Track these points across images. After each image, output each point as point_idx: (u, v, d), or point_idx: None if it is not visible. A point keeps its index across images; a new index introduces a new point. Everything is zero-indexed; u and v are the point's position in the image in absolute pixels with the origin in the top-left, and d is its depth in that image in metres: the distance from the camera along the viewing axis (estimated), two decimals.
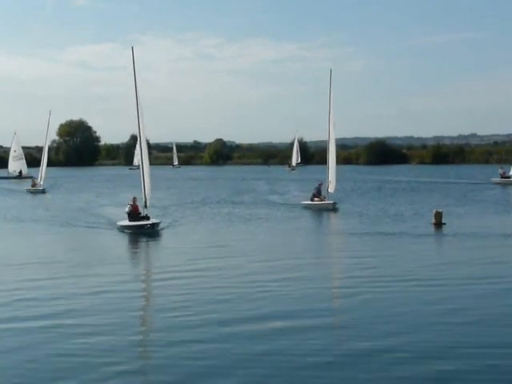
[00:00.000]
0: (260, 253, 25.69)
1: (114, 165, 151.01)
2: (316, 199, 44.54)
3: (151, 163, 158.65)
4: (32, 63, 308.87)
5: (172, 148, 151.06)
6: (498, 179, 68.96)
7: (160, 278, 21.03)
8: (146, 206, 33.81)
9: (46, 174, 67.03)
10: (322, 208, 42.82)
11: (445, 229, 31.92)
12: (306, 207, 44.12)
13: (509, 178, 68.21)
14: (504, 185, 65.67)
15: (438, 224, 32.82)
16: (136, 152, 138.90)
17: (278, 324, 14.73)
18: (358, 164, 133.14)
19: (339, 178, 50.15)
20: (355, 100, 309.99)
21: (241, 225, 35.10)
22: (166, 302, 17.21)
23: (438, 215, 33.31)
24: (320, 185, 45.77)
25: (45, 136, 71.12)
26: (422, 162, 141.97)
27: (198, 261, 23.77)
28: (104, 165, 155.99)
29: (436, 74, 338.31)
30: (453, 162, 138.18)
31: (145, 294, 19.44)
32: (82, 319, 15.42)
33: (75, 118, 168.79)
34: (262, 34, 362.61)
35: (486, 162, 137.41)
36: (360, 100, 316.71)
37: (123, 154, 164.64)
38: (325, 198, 44.54)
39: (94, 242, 30.78)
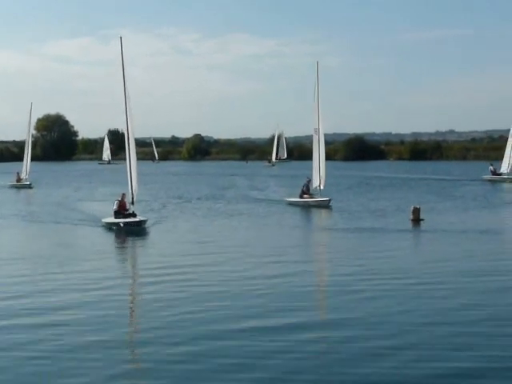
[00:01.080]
0: (244, 248, 25.62)
1: (91, 159, 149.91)
2: (305, 196, 43.37)
3: (125, 158, 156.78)
4: (10, 56, 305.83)
5: (150, 143, 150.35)
6: (488, 176, 67.74)
7: (147, 275, 20.56)
8: (132, 203, 33.08)
9: (30, 168, 65.26)
10: (316, 205, 41.69)
11: (423, 225, 32.01)
12: (294, 204, 43.00)
13: (500, 174, 67.11)
14: (494, 182, 64.55)
15: (416, 220, 32.90)
16: (105, 147, 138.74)
17: (269, 322, 14.61)
18: (335, 160, 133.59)
19: (300, 174, 50.40)
20: (334, 96, 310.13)
21: (224, 220, 34.93)
22: (154, 300, 16.93)
23: (416, 211, 33.38)
24: (309, 181, 44.55)
25: (24, 129, 70.36)
26: (399, 158, 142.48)
27: (186, 258, 23.46)
28: (81, 159, 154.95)
29: (414, 71, 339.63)
30: (430, 158, 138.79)
31: (131, 292, 19.05)
32: (66, 317, 15.19)
33: (53, 112, 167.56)
34: (240, 30, 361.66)
35: (464, 158, 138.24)
36: (338, 96, 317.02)
37: (101, 148, 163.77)
38: (313, 195, 43.36)
39: (78, 240, 29.86)
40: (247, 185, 64.30)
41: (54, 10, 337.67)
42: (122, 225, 31.10)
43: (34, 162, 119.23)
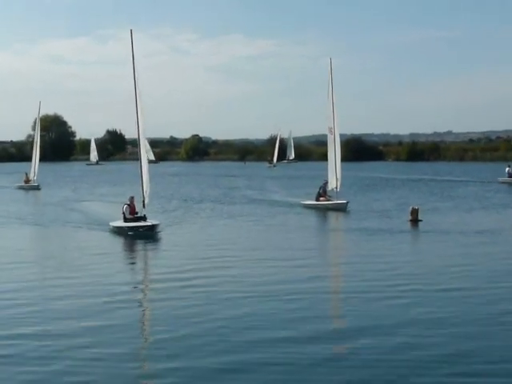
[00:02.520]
0: (262, 252, 25.04)
1: (89, 160, 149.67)
2: (322, 198, 41.58)
3: (126, 159, 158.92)
4: (4, 57, 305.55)
5: (149, 143, 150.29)
6: (505, 179, 64.03)
7: (161, 281, 19.59)
8: (144, 206, 31.11)
9: (38, 169, 63.80)
10: (333, 208, 39.86)
11: (421, 226, 32.09)
12: (311, 207, 41.18)
13: None
14: (511, 184, 61.06)
15: (415, 221, 32.98)
16: (92, 148, 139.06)
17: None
18: None
19: (319, 176, 49.57)
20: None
21: (238, 223, 34.03)
22: (170, 309, 16.04)
23: (415, 212, 33.46)
24: (325, 183, 42.71)
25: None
26: (397, 159, 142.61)
27: (200, 263, 22.34)
28: (79, 160, 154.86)
29: (412, 72, 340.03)
30: (428, 159, 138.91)
31: (141, 300, 17.99)
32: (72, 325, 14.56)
33: (50, 112, 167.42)
34: (236, 31, 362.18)
35: (461, 159, 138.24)
36: (336, 97, 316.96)
37: (98, 149, 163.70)
38: (331, 197, 41.64)
39: (86, 244, 27.77)
40: (248, 185, 64.11)
41: (49, 10, 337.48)
42: (134, 230, 29.35)
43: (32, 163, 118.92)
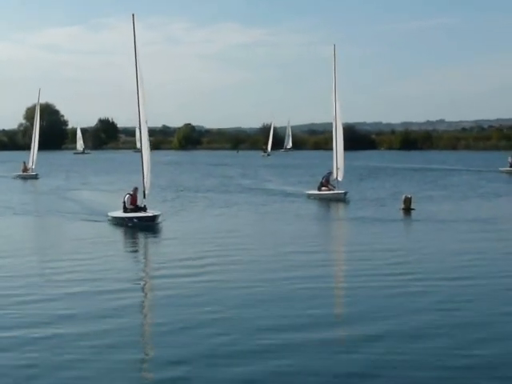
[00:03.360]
0: (256, 242, 24.85)
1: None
2: (324, 188, 40.55)
3: (119, 148, 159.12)
4: None
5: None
6: (506, 168, 62.61)
7: (165, 274, 18.62)
8: (144, 196, 29.71)
9: (37, 157, 62.52)
10: (332, 198, 39.08)
11: (413, 214, 32.10)
12: (313, 197, 40.35)
13: None
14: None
15: (407, 209, 32.98)
16: (78, 137, 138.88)
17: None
18: (327, 149, 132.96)
19: (311, 164, 49.33)
20: (324, 86, 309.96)
21: (240, 213, 33.68)
22: (175, 299, 15.42)
23: (407, 201, 33.46)
24: (329, 173, 41.66)
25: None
26: (390, 148, 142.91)
27: (204, 255, 21.40)
28: (70, 149, 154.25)
29: (405, 61, 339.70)
30: (421, 148, 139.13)
31: (141, 293, 17.25)
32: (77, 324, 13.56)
33: (42, 101, 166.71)
34: (230, 19, 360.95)
35: (454, 148, 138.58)
36: (329, 86, 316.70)
37: (91, 138, 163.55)
38: (334, 187, 40.58)
39: (86, 235, 26.33)
40: (243, 174, 64.08)
41: None
42: (135, 220, 28.17)
43: (24, 152, 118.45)
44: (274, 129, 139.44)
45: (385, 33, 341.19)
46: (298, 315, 14.13)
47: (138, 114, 30.47)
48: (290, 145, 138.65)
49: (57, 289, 16.76)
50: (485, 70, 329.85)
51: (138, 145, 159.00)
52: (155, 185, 46.89)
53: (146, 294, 17.06)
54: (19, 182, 57.38)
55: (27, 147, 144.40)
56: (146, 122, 30.77)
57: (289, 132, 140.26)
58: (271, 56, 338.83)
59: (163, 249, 23.97)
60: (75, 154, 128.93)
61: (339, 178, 41.29)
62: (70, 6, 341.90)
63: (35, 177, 60.03)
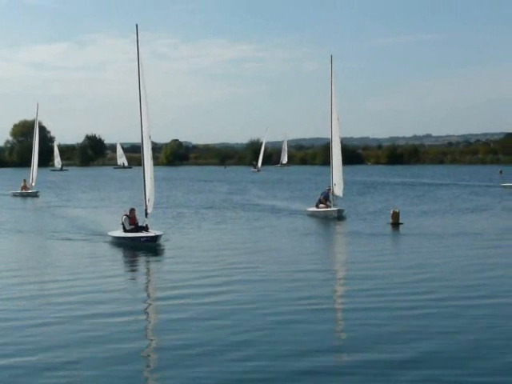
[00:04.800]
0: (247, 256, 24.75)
1: (68, 165, 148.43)
2: (321, 205, 39.29)
3: (105, 164, 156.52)
4: None
5: (128, 148, 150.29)
6: (509, 183, 61.59)
7: (176, 296, 17.73)
8: (146, 215, 28.45)
9: (37, 175, 60.98)
10: (328, 216, 37.81)
11: (402, 229, 32.14)
12: (311, 214, 39.14)
13: None
14: None
15: (396, 224, 33.02)
16: (55, 154, 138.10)
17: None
18: (314, 164, 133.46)
19: (300, 179, 48.85)
20: (312, 101, 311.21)
21: (235, 232, 32.55)
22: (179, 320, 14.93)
23: (395, 215, 33.51)
24: (328, 190, 40.03)
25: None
26: (377, 162, 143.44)
27: (211, 275, 20.64)
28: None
29: (391, 76, 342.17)
30: (408, 162, 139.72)
31: (147, 312, 16.56)
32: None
33: (30, 118, 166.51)
34: (216, 35, 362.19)
35: (441, 162, 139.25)
36: (317, 101, 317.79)
37: (78, 154, 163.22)
38: (335, 204, 39.32)
39: (88, 257, 24.80)
40: (237, 190, 63.88)
41: (29, 15, 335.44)
42: (142, 239, 27.01)
43: (11, 169, 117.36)
44: (261, 144, 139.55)
45: (371, 48, 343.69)
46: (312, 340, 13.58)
47: (140, 129, 29.19)
48: (285, 160, 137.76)
49: (67, 311, 16.04)
50: (472, 85, 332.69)
51: (119, 161, 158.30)
52: (163, 203, 45.76)
53: (156, 317, 16.19)
54: (19, 201, 54.90)
55: (13, 164, 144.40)
56: (150, 137, 29.52)
57: (285, 147, 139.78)
58: (258, 72, 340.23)
59: (167, 268, 22.74)
60: (52, 171, 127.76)
61: (338, 194, 40.18)
62: (56, 23, 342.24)
63: (35, 194, 58.29)
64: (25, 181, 60.89)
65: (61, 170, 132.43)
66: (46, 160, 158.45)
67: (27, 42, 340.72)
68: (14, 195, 58.80)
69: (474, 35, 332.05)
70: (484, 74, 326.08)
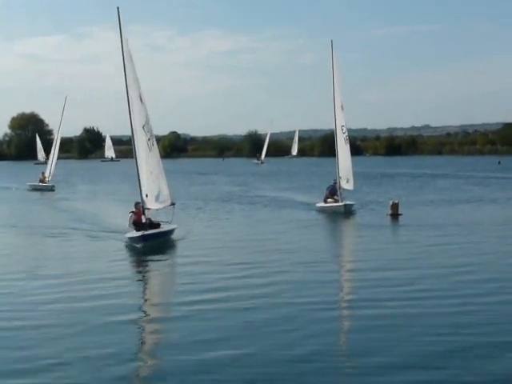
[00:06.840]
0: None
1: (67, 158, 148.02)
2: (329, 200, 37.60)
3: (101, 156, 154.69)
4: None
5: (127, 141, 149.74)
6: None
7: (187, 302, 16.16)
8: (143, 213, 26.58)
9: (54, 169, 59.76)
10: (335, 211, 36.15)
11: (401, 220, 32.10)
12: (320, 209, 37.42)
13: None
14: None
15: (395, 215, 32.98)
16: (38, 148, 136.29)
17: None
18: (312, 156, 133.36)
19: (299, 171, 48.20)
20: (309, 92, 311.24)
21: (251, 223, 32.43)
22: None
23: (395, 206, 33.47)
24: (335, 183, 38.16)
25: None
26: (375, 154, 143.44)
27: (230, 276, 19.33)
28: (58, 158, 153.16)
29: (389, 66, 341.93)
30: (406, 153, 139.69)
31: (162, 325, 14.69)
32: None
33: (27, 110, 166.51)
34: (212, 27, 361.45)
35: (439, 153, 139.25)
36: (314, 92, 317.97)
37: (76, 147, 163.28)
38: (343, 198, 37.38)
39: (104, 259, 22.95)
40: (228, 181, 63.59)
41: (25, 8, 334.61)
42: (147, 238, 25.13)
43: (9, 162, 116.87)
44: (259, 135, 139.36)
45: (369, 39, 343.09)
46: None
47: (129, 118, 27.47)
48: (295, 152, 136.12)
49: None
50: (470, 75, 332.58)
51: (107, 154, 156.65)
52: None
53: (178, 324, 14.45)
54: (37, 195, 53.29)
55: (12, 157, 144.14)
56: (144, 127, 27.92)
57: (295, 138, 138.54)
58: (254, 63, 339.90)
59: (183, 268, 21.21)
60: (36, 164, 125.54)
61: (347, 187, 38.40)
62: (53, 16, 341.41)
63: (51, 188, 56.76)
64: (43, 173, 60.17)
65: (44, 163, 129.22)
66: (44, 152, 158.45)
67: (23, 35, 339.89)
68: (31, 188, 58.08)
69: (472, 26, 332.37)
70: (482, 64, 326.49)
